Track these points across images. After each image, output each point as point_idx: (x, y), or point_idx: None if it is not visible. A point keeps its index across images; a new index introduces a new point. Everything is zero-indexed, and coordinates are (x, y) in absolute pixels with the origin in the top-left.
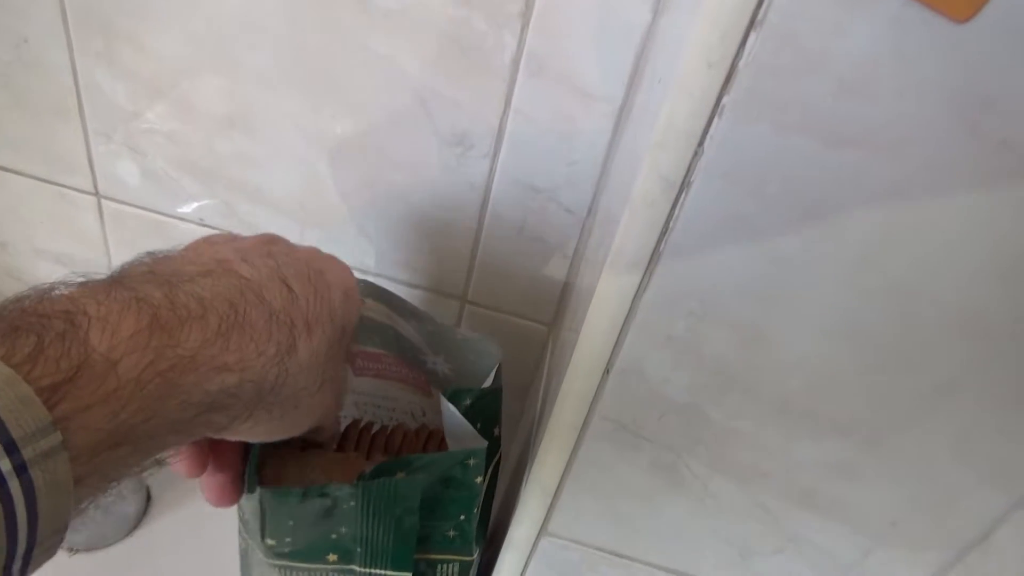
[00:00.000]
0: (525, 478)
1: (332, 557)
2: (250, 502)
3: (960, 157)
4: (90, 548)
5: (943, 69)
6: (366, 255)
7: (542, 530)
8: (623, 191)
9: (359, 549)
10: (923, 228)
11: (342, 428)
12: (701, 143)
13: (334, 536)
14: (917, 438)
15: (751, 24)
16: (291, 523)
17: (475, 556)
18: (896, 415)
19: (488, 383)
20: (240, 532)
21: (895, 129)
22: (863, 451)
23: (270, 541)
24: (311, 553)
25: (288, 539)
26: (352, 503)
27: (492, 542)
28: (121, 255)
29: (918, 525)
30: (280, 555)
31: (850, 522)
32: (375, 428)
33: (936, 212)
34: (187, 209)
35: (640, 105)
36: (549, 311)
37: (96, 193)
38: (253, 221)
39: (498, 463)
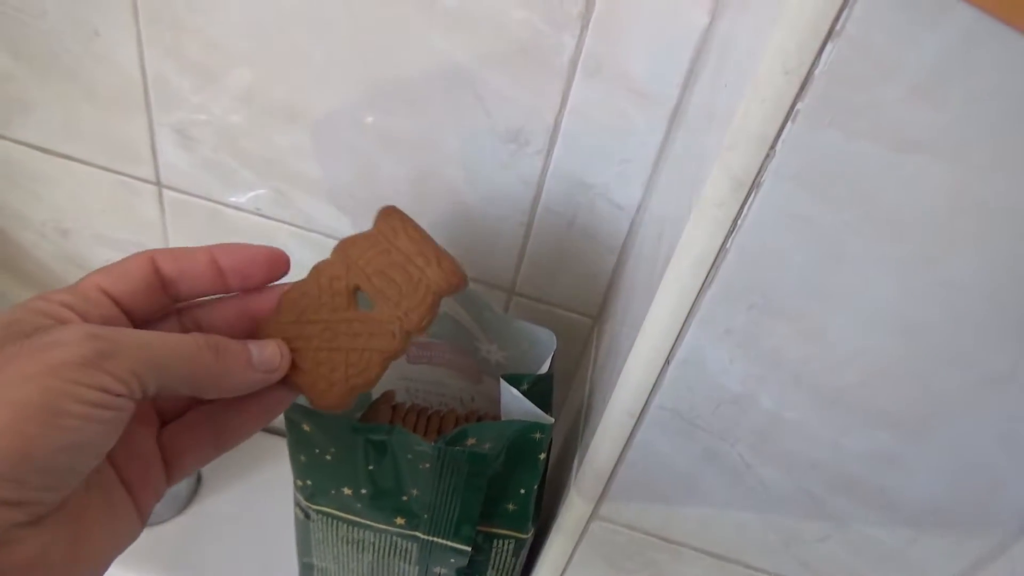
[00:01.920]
0: (576, 463)
1: (400, 520)
2: (345, 447)
3: (1021, 160)
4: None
5: (1010, 78)
6: None
7: (593, 514)
8: (680, 189)
9: (425, 515)
10: (982, 229)
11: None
12: (773, 146)
13: (405, 498)
14: (965, 429)
15: (829, 34)
16: (371, 468)
17: (529, 535)
18: (945, 407)
19: (544, 369)
20: (297, 502)
21: (960, 134)
22: (911, 442)
23: (347, 490)
24: (382, 511)
25: (364, 490)
26: (427, 465)
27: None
28: (178, 242)
29: (962, 515)
30: (352, 510)
31: (895, 511)
32: (429, 411)
33: (995, 213)
34: (244, 199)
35: (697, 105)
36: (595, 304)
37: (158, 182)
38: (309, 212)
39: (550, 447)
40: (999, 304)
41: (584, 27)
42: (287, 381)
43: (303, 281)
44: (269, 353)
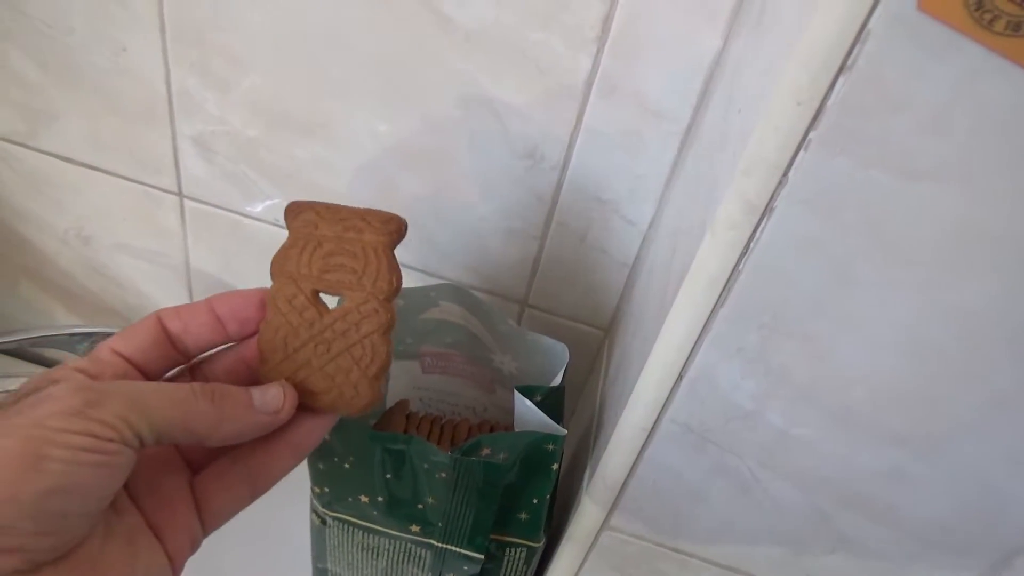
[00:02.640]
0: (588, 474)
1: (415, 528)
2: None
3: None
4: None
5: (1014, 111)
6: (431, 259)
7: (604, 524)
8: (693, 207)
9: (440, 523)
10: (988, 255)
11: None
12: (786, 173)
13: (420, 506)
14: (971, 449)
15: (841, 68)
16: (388, 477)
17: (541, 543)
18: (953, 427)
19: (556, 382)
20: (313, 508)
21: (966, 164)
22: (919, 460)
23: (364, 498)
24: (398, 519)
25: (380, 497)
26: (444, 475)
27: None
28: (198, 251)
29: (968, 532)
30: (368, 517)
31: (902, 527)
32: (443, 420)
33: (1001, 240)
34: (260, 208)
35: (709, 126)
36: (606, 316)
37: (179, 193)
38: None
39: (562, 457)
40: (1005, 328)
41: (600, 49)
42: (315, 410)
43: (267, 321)
44: (272, 394)
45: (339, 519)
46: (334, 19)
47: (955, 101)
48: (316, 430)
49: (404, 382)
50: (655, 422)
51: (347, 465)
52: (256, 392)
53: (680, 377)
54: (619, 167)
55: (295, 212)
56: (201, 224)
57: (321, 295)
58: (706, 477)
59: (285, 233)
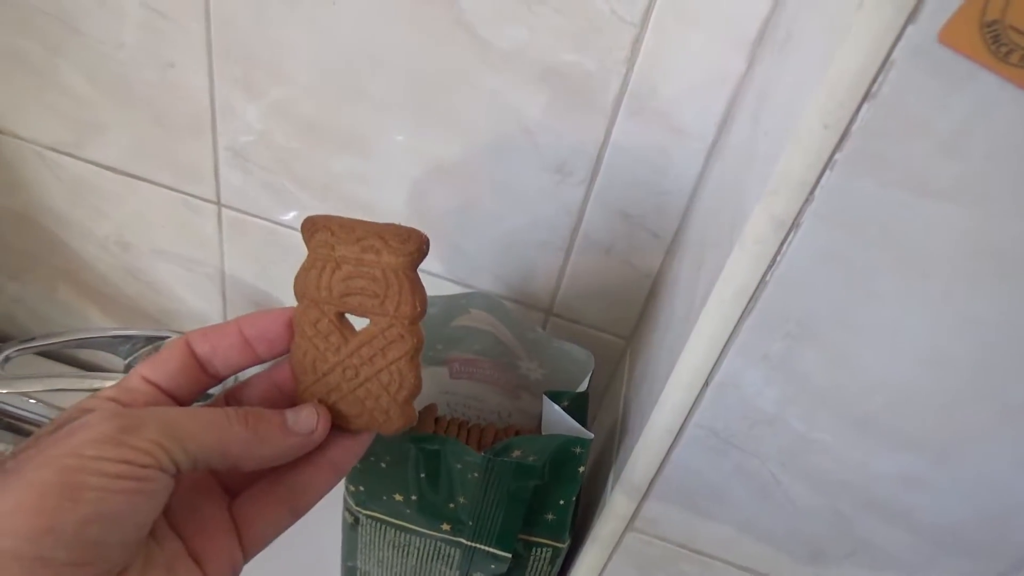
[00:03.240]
0: (612, 477)
1: (446, 526)
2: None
3: None
4: None
5: None
6: (460, 268)
7: (628, 526)
8: (720, 222)
9: (471, 523)
10: (1001, 270)
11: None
12: (812, 191)
13: (452, 505)
14: (985, 456)
15: (866, 96)
16: (422, 476)
17: (566, 544)
18: (967, 434)
19: (583, 387)
20: (346, 507)
21: (981, 185)
22: (935, 465)
23: (398, 496)
24: (429, 517)
25: (414, 496)
26: (476, 474)
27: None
28: (234, 259)
29: (980, 537)
30: (400, 515)
31: (918, 531)
32: (469, 424)
33: (1014, 256)
34: (291, 217)
35: (735, 145)
36: (628, 326)
37: (218, 202)
38: None
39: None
40: (1017, 340)
41: (629, 69)
42: (350, 432)
43: (295, 343)
44: (305, 415)
45: (372, 517)
46: (373, 38)
47: (971, 127)
48: (353, 448)
49: (432, 387)
50: (681, 426)
51: (383, 464)
52: (290, 414)
53: (707, 383)
54: (645, 182)
55: (310, 230)
56: (237, 232)
57: (347, 315)
58: (728, 479)
59: None
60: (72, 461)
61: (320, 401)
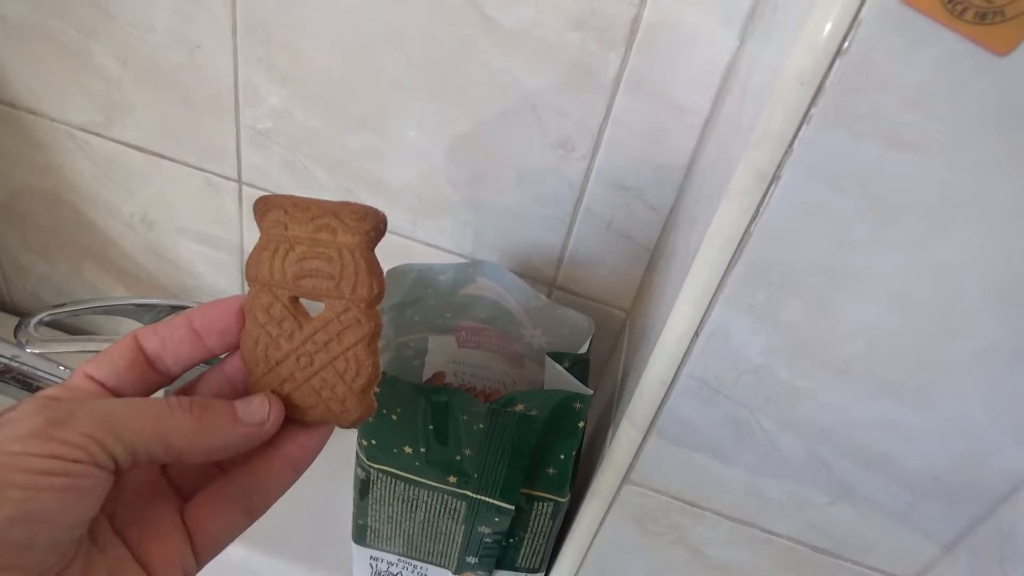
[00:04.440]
0: (611, 434)
1: (452, 479)
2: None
3: (999, 159)
4: None
5: (986, 89)
6: (466, 241)
7: (625, 478)
8: (712, 188)
9: (476, 475)
10: (967, 217)
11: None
12: (791, 144)
13: (458, 457)
14: (957, 399)
15: (837, 53)
16: (431, 428)
17: (567, 499)
18: (939, 377)
19: (583, 350)
20: (359, 463)
21: (947, 136)
22: (911, 410)
23: (407, 448)
24: (437, 470)
25: (423, 448)
26: (481, 425)
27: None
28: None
29: (956, 480)
30: (410, 468)
31: (896, 475)
32: (476, 391)
33: (979, 203)
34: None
35: (726, 117)
36: (628, 297)
37: (239, 180)
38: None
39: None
40: (984, 284)
41: (628, 48)
42: (305, 424)
43: (246, 331)
44: (255, 405)
45: (383, 471)
46: (391, 21)
47: (934, 80)
48: (309, 443)
49: (440, 355)
50: (674, 376)
51: (394, 417)
52: (239, 403)
53: (697, 334)
54: (643, 156)
55: (263, 210)
56: None
57: (302, 300)
58: (719, 430)
59: None
60: None
61: (274, 392)
